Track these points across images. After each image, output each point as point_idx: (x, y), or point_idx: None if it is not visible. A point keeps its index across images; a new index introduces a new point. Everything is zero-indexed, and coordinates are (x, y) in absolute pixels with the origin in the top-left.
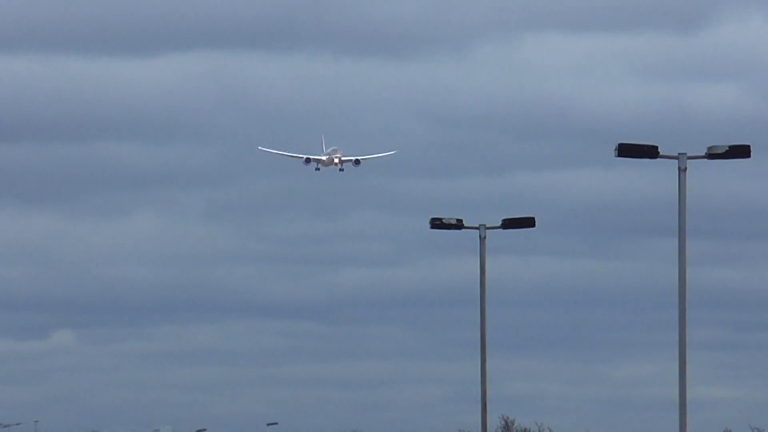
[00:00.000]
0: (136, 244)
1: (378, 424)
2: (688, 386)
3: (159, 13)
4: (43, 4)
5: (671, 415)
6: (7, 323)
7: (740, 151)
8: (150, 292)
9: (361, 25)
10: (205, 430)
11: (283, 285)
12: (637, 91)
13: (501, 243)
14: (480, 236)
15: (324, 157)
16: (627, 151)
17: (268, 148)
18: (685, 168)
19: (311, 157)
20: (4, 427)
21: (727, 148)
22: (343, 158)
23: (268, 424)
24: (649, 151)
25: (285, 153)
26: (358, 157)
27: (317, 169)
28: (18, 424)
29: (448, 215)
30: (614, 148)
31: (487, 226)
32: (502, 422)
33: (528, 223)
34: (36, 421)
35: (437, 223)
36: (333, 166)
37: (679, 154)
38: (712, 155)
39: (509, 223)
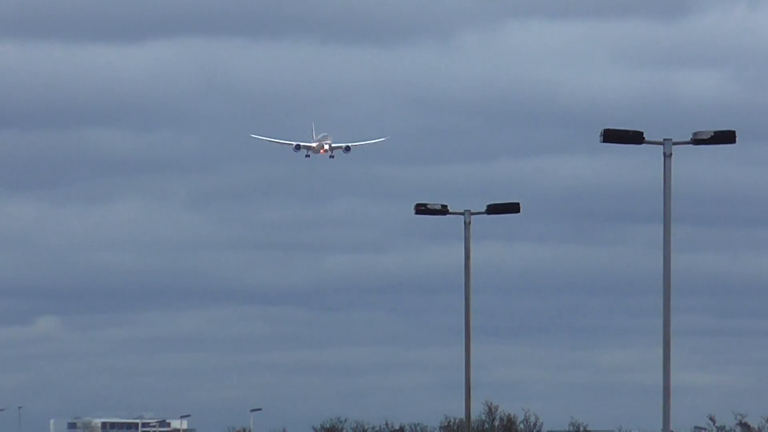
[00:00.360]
0: (121, 230)
1: (363, 410)
2: (672, 372)
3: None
4: None
5: (655, 401)
6: None
7: (725, 137)
8: (135, 278)
9: (348, 12)
10: (189, 415)
11: (269, 271)
12: (622, 78)
13: (486, 229)
14: (465, 222)
15: (314, 144)
16: (612, 137)
17: (258, 135)
18: (671, 154)
19: (301, 143)
20: None
21: (712, 134)
22: (333, 145)
23: (252, 410)
24: (634, 137)
25: (276, 140)
26: (349, 144)
27: (307, 156)
28: (2, 410)
29: (434, 201)
30: (599, 134)
31: (472, 211)
32: (486, 408)
33: (513, 208)
34: (20, 407)
35: (422, 209)
36: (323, 152)
37: (664, 139)
38: (697, 141)
39: (494, 209)
